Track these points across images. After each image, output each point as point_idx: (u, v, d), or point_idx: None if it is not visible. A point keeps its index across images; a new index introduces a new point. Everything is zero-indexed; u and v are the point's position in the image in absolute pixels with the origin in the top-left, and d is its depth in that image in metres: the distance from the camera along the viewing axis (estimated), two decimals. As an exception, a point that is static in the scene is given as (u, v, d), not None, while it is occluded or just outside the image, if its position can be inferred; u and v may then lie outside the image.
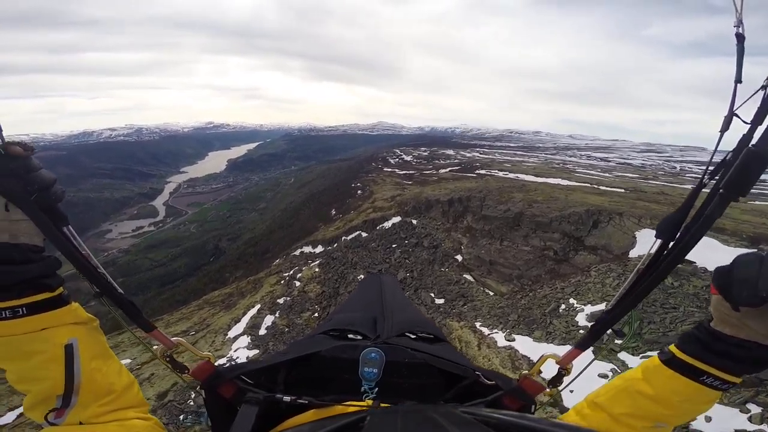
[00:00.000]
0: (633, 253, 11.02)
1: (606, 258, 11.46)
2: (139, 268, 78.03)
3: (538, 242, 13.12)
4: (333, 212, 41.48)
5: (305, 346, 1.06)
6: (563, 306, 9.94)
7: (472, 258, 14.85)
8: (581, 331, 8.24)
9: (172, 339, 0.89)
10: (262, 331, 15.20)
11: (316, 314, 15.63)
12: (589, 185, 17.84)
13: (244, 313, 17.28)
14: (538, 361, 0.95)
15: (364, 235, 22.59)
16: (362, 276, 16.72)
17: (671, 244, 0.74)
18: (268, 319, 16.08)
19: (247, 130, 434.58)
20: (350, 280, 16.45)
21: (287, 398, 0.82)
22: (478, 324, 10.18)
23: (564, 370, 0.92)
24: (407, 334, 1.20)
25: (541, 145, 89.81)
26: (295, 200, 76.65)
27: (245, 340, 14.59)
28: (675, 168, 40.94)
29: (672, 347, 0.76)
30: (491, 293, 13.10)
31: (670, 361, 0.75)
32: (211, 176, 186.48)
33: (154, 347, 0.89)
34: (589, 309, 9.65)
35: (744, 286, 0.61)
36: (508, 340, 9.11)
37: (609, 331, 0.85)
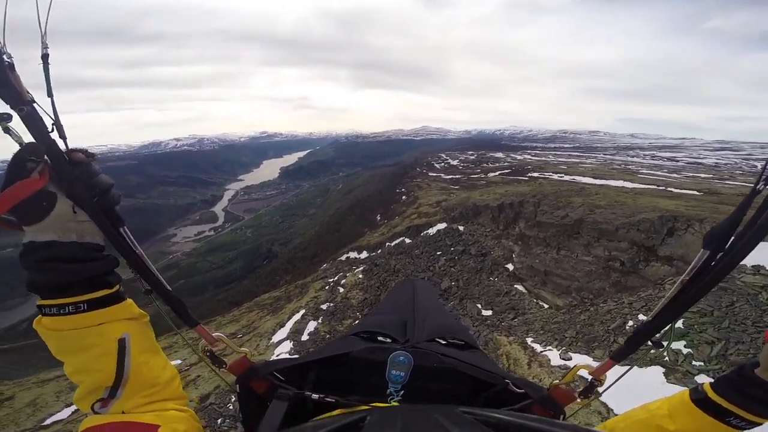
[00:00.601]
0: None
1: (683, 269, 9.75)
2: (199, 270, 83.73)
3: (602, 252, 11.70)
4: (378, 218, 41.64)
5: (337, 347, 1.08)
6: (631, 323, 8.63)
7: (525, 267, 13.61)
8: (651, 351, 7.08)
9: (213, 335, 0.92)
10: (305, 337, 15.20)
11: (357, 322, 15.31)
12: (657, 188, 15.68)
13: (289, 318, 17.47)
14: (570, 370, 0.93)
15: (407, 241, 22.04)
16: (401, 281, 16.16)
17: (720, 254, 0.70)
18: (311, 325, 16.08)
19: (298, 138, 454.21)
20: (392, 288, 15.96)
21: (315, 396, 0.86)
22: (529, 340, 9.12)
23: (597, 381, 0.91)
24: (438, 339, 1.20)
25: (599, 145, 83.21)
26: (342, 206, 78.03)
27: (288, 345, 14.65)
28: (755, 167, 36.23)
29: (706, 387, 0.76)
30: (546, 306, 11.85)
31: (702, 401, 0.74)
32: (265, 183, 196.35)
33: (197, 343, 0.93)
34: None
35: None
36: (564, 359, 8.02)
37: (649, 343, 0.82)
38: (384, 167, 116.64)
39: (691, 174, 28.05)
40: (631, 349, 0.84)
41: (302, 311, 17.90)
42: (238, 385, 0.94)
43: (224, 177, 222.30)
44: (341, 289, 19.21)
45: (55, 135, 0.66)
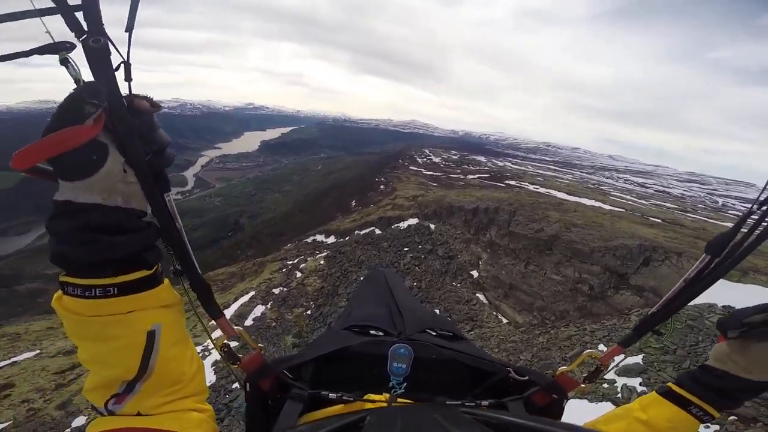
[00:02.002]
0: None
1: (652, 302, 9.42)
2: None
3: (572, 272, 11.08)
4: (353, 203, 41.32)
5: (335, 342, 1.04)
6: (588, 350, 8.08)
7: (490, 277, 12.93)
8: (605, 385, 6.70)
9: (234, 328, 0.85)
10: (248, 322, 14.07)
11: (309, 311, 14.32)
12: (637, 214, 15.43)
13: (236, 299, 16.25)
14: (579, 357, 0.97)
15: (377, 232, 21.27)
16: (363, 274, 15.28)
17: (717, 260, 0.77)
18: (258, 310, 14.94)
19: (284, 114, 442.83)
20: (352, 280, 15.02)
21: (333, 395, 0.82)
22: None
23: (603, 366, 0.94)
24: (428, 330, 1.19)
25: (578, 162, 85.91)
26: (319, 187, 76.92)
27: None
28: (717, 202, 38.32)
29: (670, 383, 0.85)
30: (505, 321, 11.21)
31: (666, 393, 0.84)
32: (242, 154, 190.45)
33: (215, 335, 0.85)
34: (622, 360, 7.72)
35: (732, 318, 0.74)
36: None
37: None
38: (367, 154, 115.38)
39: (658, 202, 28.93)
40: (637, 337, 0.89)
41: (252, 293, 16.72)
42: (247, 384, 0.87)
43: (201, 143, 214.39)
44: (299, 274, 18.11)
45: (119, 75, 0.54)
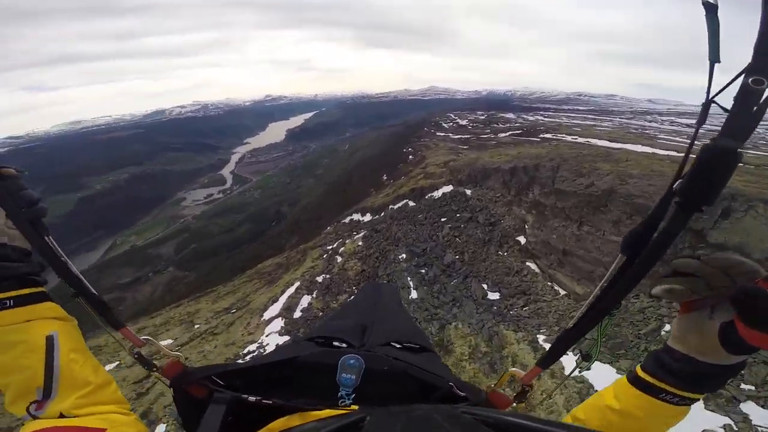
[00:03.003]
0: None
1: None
2: (209, 233, 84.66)
3: None
4: (384, 177, 40.91)
5: (286, 351, 1.08)
6: (668, 327, 7.10)
7: (539, 243, 11.79)
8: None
9: (141, 338, 0.92)
10: (297, 314, 14.23)
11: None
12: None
13: (283, 292, 16.51)
14: (502, 375, 0.97)
15: (411, 204, 20.65)
16: (401, 252, 14.84)
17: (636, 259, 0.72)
18: (305, 300, 15.07)
19: (303, 100, 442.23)
20: (391, 260, 14.63)
21: (252, 398, 0.85)
22: (541, 338, 7.65)
23: (528, 386, 0.93)
24: (393, 343, 1.20)
25: (615, 109, 78.92)
26: (348, 166, 77.01)
27: (279, 323, 13.69)
28: None
29: (637, 366, 0.78)
30: (562, 292, 10.23)
31: (633, 380, 0.77)
32: (271, 146, 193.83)
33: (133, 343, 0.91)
34: None
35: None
36: (580, 368, 6.64)
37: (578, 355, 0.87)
38: (391, 127, 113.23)
39: None
40: (554, 356, 0.86)
41: (297, 283, 16.90)
42: (172, 389, 0.94)
43: (230, 141, 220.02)
44: (339, 258, 18.06)
45: None
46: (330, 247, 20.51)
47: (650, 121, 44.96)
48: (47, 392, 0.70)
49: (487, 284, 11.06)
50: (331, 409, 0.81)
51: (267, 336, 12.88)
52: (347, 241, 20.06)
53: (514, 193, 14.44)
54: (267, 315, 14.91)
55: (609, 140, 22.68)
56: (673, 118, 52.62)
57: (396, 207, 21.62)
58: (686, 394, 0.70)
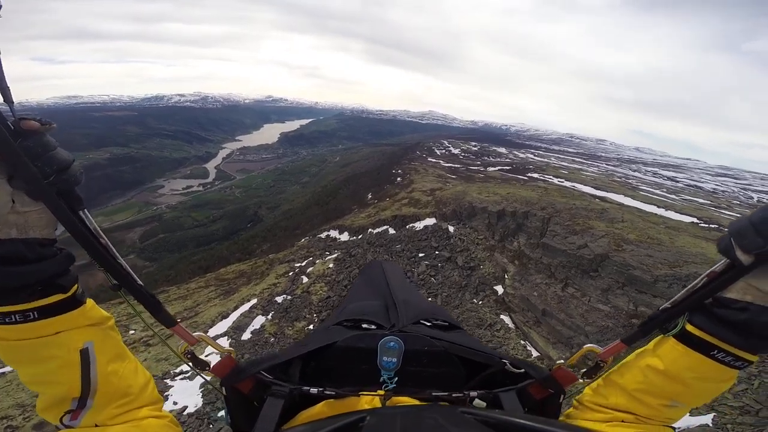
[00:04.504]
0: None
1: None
2: (181, 225, 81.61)
3: (625, 303, 8.69)
4: (369, 196, 40.26)
5: (322, 338, 1.04)
6: None
7: (518, 297, 10.75)
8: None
9: (194, 334, 0.83)
10: (246, 336, 12.83)
11: (311, 326, 12.94)
12: (694, 221, 12.95)
13: (236, 308, 15.06)
14: (578, 351, 0.92)
15: (391, 231, 19.73)
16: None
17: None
18: (258, 321, 13.68)
19: (303, 106, 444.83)
20: (361, 271, 13.53)
21: (314, 390, 0.82)
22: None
23: (603, 362, 0.86)
24: (422, 321, 1.15)
25: (603, 154, 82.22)
26: (336, 178, 76.52)
27: (223, 343, 12.17)
28: (752, 198, 35.30)
29: (682, 319, 0.71)
30: (534, 353, 9.22)
31: (680, 335, 0.70)
32: (263, 146, 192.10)
33: (179, 343, 0.84)
34: (695, 421, 6.03)
35: (742, 233, 0.57)
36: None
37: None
38: (385, 146, 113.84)
39: (690, 197, 27.18)
40: (643, 335, 0.81)
41: (254, 300, 15.49)
42: (224, 388, 0.87)
43: (223, 136, 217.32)
44: (305, 279, 16.79)
45: None
46: (298, 265, 19.21)
47: (634, 171, 47.30)
48: (82, 403, 0.65)
49: (457, 335, 10.02)
50: (369, 392, 0.79)
51: (206, 356, 11.31)
52: (317, 261, 18.87)
53: (498, 239, 13.65)
54: (213, 332, 13.45)
55: (594, 187, 23.72)
56: (656, 169, 54.92)
57: (375, 231, 20.71)
58: (742, 354, 0.63)
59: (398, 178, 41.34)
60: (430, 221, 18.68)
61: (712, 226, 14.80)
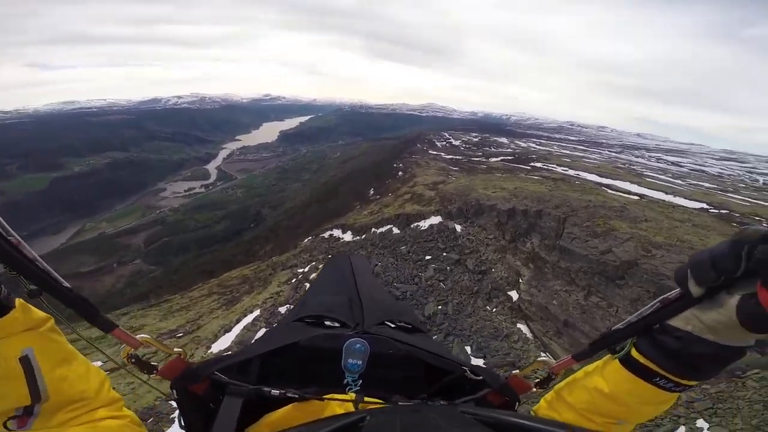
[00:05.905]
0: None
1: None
2: (184, 228, 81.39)
3: None
4: (371, 192, 39.98)
5: (282, 336, 1.00)
6: (683, 430, 5.66)
7: (535, 305, 10.04)
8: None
9: (137, 337, 0.79)
10: (249, 353, 12.26)
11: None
12: (721, 213, 12.15)
13: (239, 320, 14.53)
14: (531, 363, 0.94)
15: (395, 231, 19.11)
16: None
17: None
18: (261, 335, 13.11)
19: (302, 103, 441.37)
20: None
21: (276, 392, 0.78)
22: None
23: (555, 375, 0.91)
24: (387, 322, 1.13)
25: (604, 141, 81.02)
26: (337, 174, 75.90)
27: (226, 362, 11.67)
28: (757, 181, 35.21)
29: (630, 342, 0.73)
30: None
31: (625, 359, 0.72)
32: (262, 145, 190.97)
33: (123, 346, 0.79)
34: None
35: (698, 267, 0.58)
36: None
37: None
38: (385, 140, 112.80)
39: (695, 182, 26.81)
40: (592, 353, 0.84)
41: (257, 312, 14.96)
42: (174, 390, 0.82)
43: (222, 136, 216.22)
44: (307, 285, 16.20)
45: None
46: (300, 271, 18.65)
47: (638, 157, 46.65)
48: (29, 410, 0.60)
49: (471, 347, 9.37)
50: (339, 395, 0.77)
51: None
52: (320, 266, 18.27)
53: (509, 239, 12.93)
54: (215, 347, 12.92)
55: (598, 174, 23.29)
56: (660, 154, 54.05)
57: (379, 231, 20.08)
58: (682, 380, 0.66)
59: (400, 173, 40.72)
60: (436, 219, 18.03)
61: (723, 211, 14.06)
